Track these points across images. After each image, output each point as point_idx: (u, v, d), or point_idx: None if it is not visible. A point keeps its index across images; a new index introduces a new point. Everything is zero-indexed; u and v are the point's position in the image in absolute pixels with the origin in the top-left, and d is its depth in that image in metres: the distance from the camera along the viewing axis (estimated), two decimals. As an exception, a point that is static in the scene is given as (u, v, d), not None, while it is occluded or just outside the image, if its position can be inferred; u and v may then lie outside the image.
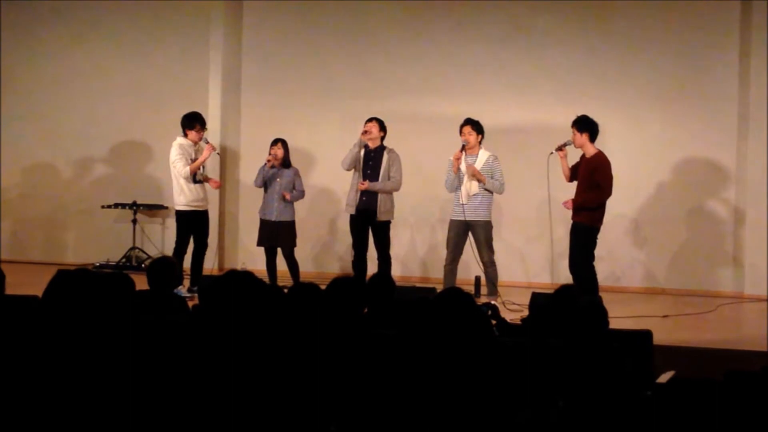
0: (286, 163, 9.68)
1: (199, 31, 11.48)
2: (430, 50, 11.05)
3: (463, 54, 10.97)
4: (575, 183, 8.81)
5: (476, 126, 9.16)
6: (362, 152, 9.40)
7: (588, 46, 10.71)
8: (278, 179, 9.61)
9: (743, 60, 10.32)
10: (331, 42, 11.31)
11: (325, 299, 4.57)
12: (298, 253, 9.80)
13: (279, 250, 9.70)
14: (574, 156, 8.90)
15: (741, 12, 10.35)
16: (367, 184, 9.30)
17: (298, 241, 9.78)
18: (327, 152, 10.94)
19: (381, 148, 9.43)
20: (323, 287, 4.69)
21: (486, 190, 9.11)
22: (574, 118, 8.78)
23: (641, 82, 10.60)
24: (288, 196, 9.55)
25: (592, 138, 8.72)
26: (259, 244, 9.76)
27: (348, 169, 9.46)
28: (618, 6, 10.65)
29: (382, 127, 9.46)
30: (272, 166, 9.59)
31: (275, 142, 9.70)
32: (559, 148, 8.85)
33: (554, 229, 9.49)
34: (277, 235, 9.60)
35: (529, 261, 10.82)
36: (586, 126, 8.72)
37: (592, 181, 8.61)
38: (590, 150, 8.71)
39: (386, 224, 9.44)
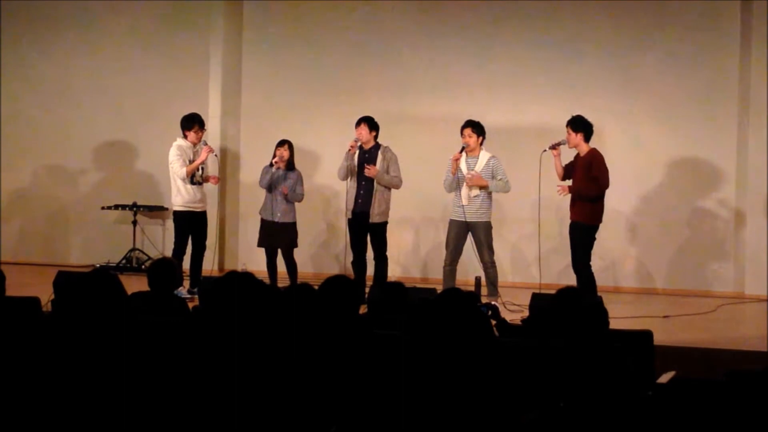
0: (290, 165, 9.67)
1: (199, 31, 11.47)
2: (431, 51, 11.04)
3: (465, 55, 10.95)
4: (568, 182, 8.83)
5: (477, 128, 9.12)
6: (357, 153, 9.34)
7: (587, 46, 10.69)
8: (282, 181, 9.60)
9: (743, 60, 10.31)
10: (332, 42, 11.30)
11: (318, 299, 4.57)
12: (298, 253, 9.79)
13: (279, 250, 9.70)
14: (567, 156, 8.91)
15: (741, 12, 10.34)
16: (375, 170, 9.23)
17: (298, 241, 9.78)
18: (327, 153, 10.93)
19: (375, 148, 9.34)
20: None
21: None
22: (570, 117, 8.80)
23: (641, 82, 10.59)
24: (286, 191, 9.52)
25: (587, 138, 8.73)
26: (259, 244, 9.75)
27: (344, 180, 9.43)
28: (617, 6, 10.64)
29: (373, 126, 9.33)
30: (277, 168, 9.58)
31: (282, 143, 9.65)
32: (553, 147, 8.86)
33: (546, 227, 9.47)
34: (279, 236, 9.60)
35: (525, 260, 10.80)
36: (580, 126, 8.73)
37: (589, 176, 8.62)
38: (584, 150, 8.73)
39: (381, 226, 9.39)
